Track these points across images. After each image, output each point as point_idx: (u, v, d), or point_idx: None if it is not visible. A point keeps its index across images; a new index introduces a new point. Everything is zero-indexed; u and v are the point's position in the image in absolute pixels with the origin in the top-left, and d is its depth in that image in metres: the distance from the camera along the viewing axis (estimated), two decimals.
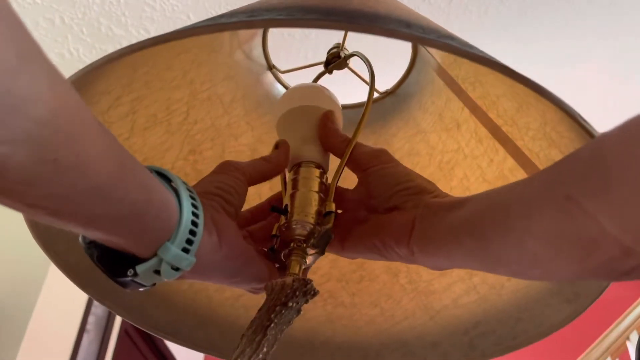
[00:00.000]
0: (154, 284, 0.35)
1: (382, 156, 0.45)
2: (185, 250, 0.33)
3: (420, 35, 0.25)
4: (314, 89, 0.51)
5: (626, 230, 0.25)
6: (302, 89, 0.52)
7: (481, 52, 0.28)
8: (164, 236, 0.32)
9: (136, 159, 0.31)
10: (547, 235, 0.29)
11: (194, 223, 0.33)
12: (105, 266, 0.33)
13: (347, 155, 0.46)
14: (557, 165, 0.30)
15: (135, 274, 0.33)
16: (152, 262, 0.33)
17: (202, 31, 0.26)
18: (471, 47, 0.28)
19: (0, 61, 0.20)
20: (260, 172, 0.43)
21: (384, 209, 0.42)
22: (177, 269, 0.34)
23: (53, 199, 0.25)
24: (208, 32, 0.26)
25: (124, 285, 0.34)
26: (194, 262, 0.34)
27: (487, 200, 0.35)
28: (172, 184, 0.35)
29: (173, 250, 0.32)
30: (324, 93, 0.51)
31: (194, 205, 0.34)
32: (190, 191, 0.35)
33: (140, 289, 0.35)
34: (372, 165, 0.44)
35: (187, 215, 0.33)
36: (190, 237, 0.33)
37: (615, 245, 0.26)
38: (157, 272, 0.33)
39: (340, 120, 0.50)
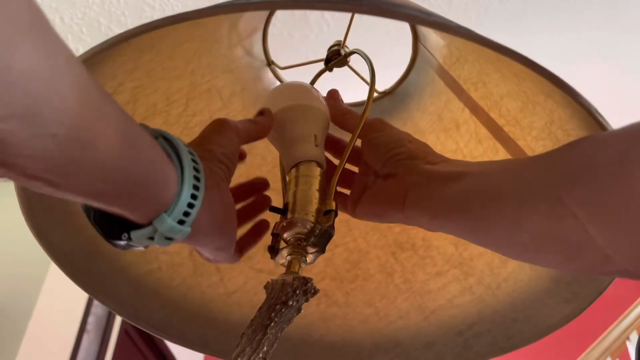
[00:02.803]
0: (147, 247, 0.35)
1: (376, 125, 0.46)
2: (181, 222, 0.33)
3: (442, 22, 0.25)
4: (304, 88, 0.51)
5: (610, 241, 0.26)
6: (292, 86, 0.51)
7: (493, 41, 0.28)
8: (161, 208, 0.32)
9: (142, 129, 0.31)
10: (535, 229, 0.30)
11: (193, 196, 0.33)
12: (101, 227, 0.33)
13: (346, 157, 0.46)
14: (553, 158, 0.31)
15: (130, 239, 0.33)
16: (146, 230, 0.33)
17: (224, 10, 0.26)
18: (487, 38, 0.28)
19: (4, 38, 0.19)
20: (248, 133, 0.44)
21: (383, 176, 0.43)
22: (170, 239, 0.34)
23: (53, 172, 0.25)
24: (231, 11, 0.25)
25: (117, 246, 0.34)
26: (188, 232, 0.34)
27: (482, 180, 0.35)
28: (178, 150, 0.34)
29: (169, 223, 0.32)
30: (312, 91, 0.50)
31: (196, 178, 0.34)
32: (195, 162, 0.35)
33: (134, 249, 0.36)
34: (367, 134, 0.46)
35: (187, 190, 0.33)
36: (188, 209, 0.33)
37: (597, 252, 0.27)
38: (152, 238, 0.33)
39: (327, 121, 0.50)
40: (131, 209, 0.31)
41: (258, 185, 0.49)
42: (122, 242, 0.34)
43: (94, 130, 0.25)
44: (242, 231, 0.47)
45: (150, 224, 0.32)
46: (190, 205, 0.33)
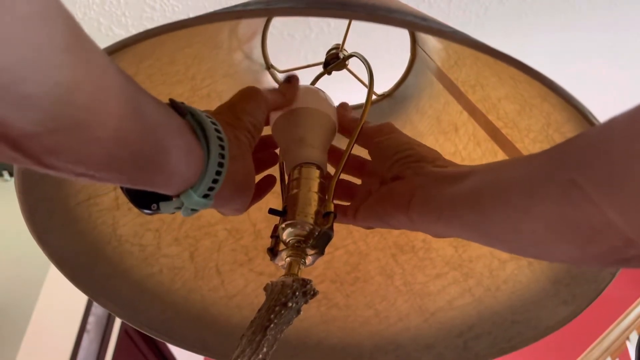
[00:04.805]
0: (174, 212, 0.37)
1: (385, 128, 0.47)
2: (206, 196, 0.35)
3: (437, 27, 0.25)
4: (313, 92, 0.51)
5: (630, 223, 0.25)
6: (309, 90, 0.52)
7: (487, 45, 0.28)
8: (188, 184, 0.34)
9: (168, 114, 0.32)
10: (547, 217, 0.28)
11: (218, 173, 0.35)
12: (131, 196, 0.35)
13: (345, 159, 0.46)
14: (562, 145, 0.29)
15: (158, 208, 0.35)
16: (174, 203, 0.35)
17: (221, 17, 0.26)
18: (480, 42, 0.29)
19: (50, 58, 0.20)
20: (275, 103, 0.46)
21: (389, 179, 0.43)
22: (195, 210, 0.36)
23: (86, 167, 0.26)
24: (228, 18, 0.26)
25: (145, 213, 0.36)
26: (211, 204, 0.36)
27: (489, 176, 0.35)
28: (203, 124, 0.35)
29: (195, 199, 0.34)
30: (321, 95, 0.51)
31: (221, 155, 0.35)
32: (220, 139, 0.36)
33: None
34: (375, 138, 0.46)
35: (212, 169, 0.34)
36: (213, 185, 0.35)
37: (617, 236, 0.25)
38: (178, 207, 0.35)
39: (336, 123, 0.50)
40: (159, 189, 0.33)
41: (267, 142, 0.51)
42: (151, 211, 0.36)
43: (129, 130, 0.27)
44: None
45: (177, 196, 0.34)
46: (215, 181, 0.35)
